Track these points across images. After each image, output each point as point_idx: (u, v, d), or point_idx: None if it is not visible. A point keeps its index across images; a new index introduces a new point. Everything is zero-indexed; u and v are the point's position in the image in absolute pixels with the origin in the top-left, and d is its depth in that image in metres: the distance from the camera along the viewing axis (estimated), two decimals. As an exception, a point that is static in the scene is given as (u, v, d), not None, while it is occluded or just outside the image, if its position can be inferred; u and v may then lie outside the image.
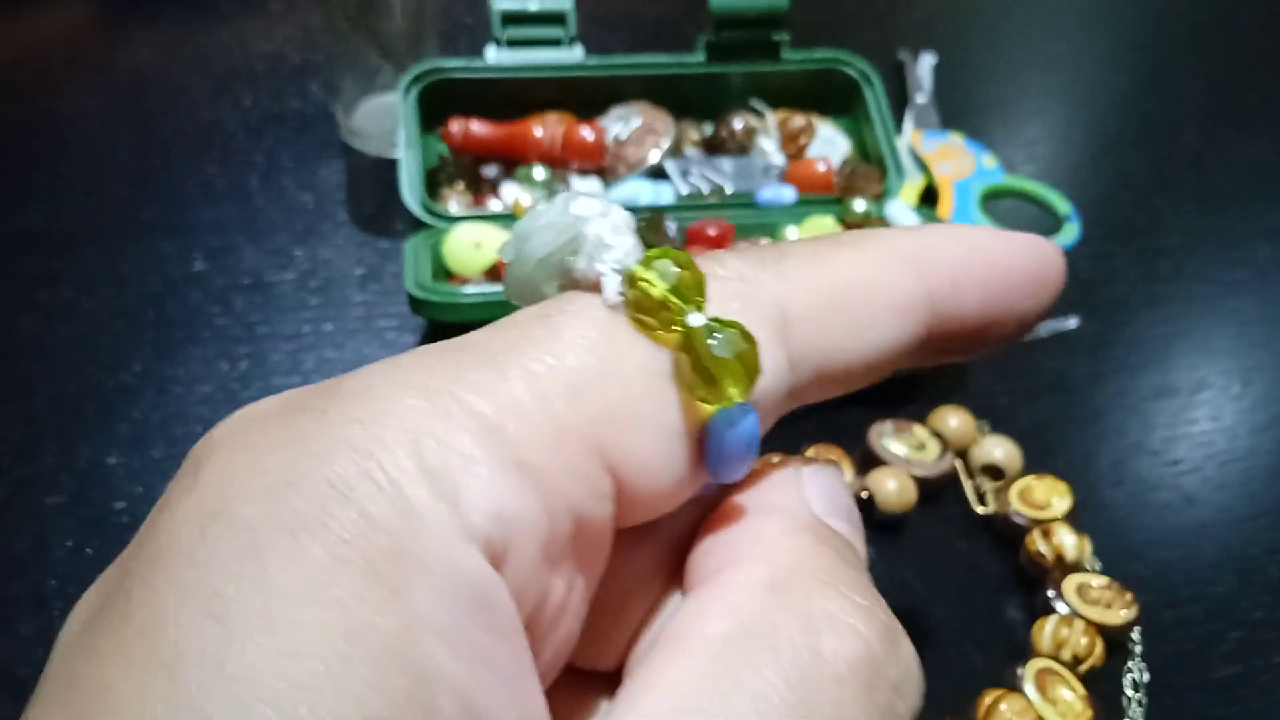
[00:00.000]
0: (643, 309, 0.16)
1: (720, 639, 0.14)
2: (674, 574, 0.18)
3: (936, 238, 0.19)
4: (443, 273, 0.49)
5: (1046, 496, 0.43)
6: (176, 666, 0.11)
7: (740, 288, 0.16)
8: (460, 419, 0.14)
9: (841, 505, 0.18)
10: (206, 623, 0.11)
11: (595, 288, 0.16)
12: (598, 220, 0.16)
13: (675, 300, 0.15)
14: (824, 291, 0.17)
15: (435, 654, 0.12)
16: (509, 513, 0.13)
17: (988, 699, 0.36)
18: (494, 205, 0.54)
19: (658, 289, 0.15)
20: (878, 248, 0.18)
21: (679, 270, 0.16)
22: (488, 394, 0.14)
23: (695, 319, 0.15)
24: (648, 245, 0.16)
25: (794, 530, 0.16)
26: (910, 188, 0.60)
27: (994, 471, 0.45)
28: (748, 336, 0.15)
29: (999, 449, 0.45)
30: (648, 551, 0.18)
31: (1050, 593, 0.40)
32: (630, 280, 0.16)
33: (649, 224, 0.50)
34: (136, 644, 0.12)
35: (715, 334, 0.15)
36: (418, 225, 0.50)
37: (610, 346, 0.15)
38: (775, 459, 0.18)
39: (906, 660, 0.15)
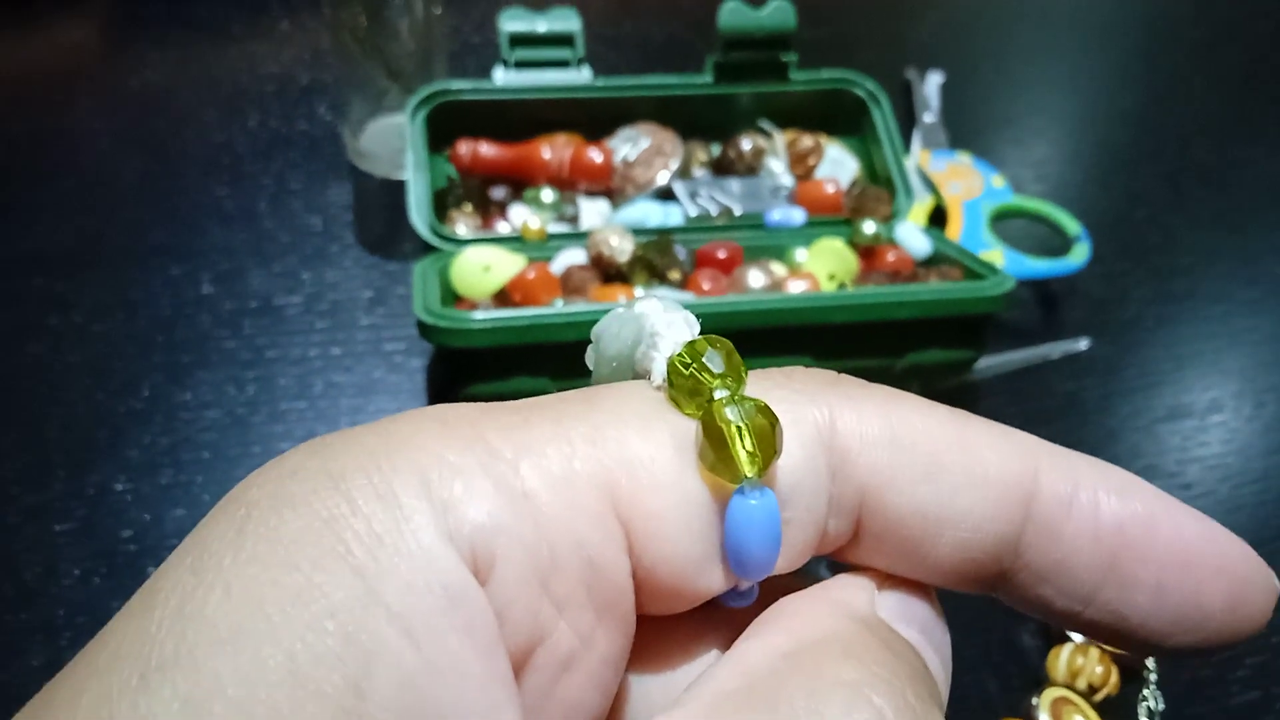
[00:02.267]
0: (677, 388, 0.16)
1: (720, 695, 0.14)
2: None
3: (1081, 456, 0.16)
4: (451, 296, 0.48)
5: (1060, 522, 0.42)
6: (151, 608, 0.13)
7: (791, 395, 0.16)
8: (471, 446, 0.14)
9: (916, 616, 0.16)
10: (186, 576, 0.13)
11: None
12: (657, 315, 0.17)
13: (703, 376, 0.15)
14: (891, 425, 0.16)
15: (384, 634, 0.12)
16: (499, 527, 0.14)
17: (1002, 730, 0.36)
18: (502, 227, 0.54)
19: (685, 366, 0.16)
20: (987, 424, 0.16)
21: (715, 353, 0.16)
22: (507, 433, 0.14)
23: (721, 394, 0.15)
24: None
25: (838, 614, 0.15)
26: (919, 208, 0.60)
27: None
28: (767, 412, 0.15)
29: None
30: (711, 658, 0.17)
31: (1064, 620, 0.40)
32: (670, 364, 0.16)
33: (657, 246, 0.50)
34: (135, 598, 0.13)
35: (734, 406, 0.15)
36: (426, 248, 0.50)
37: (641, 415, 0.15)
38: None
39: None
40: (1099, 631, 0.16)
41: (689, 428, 0.15)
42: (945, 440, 0.16)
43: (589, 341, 0.46)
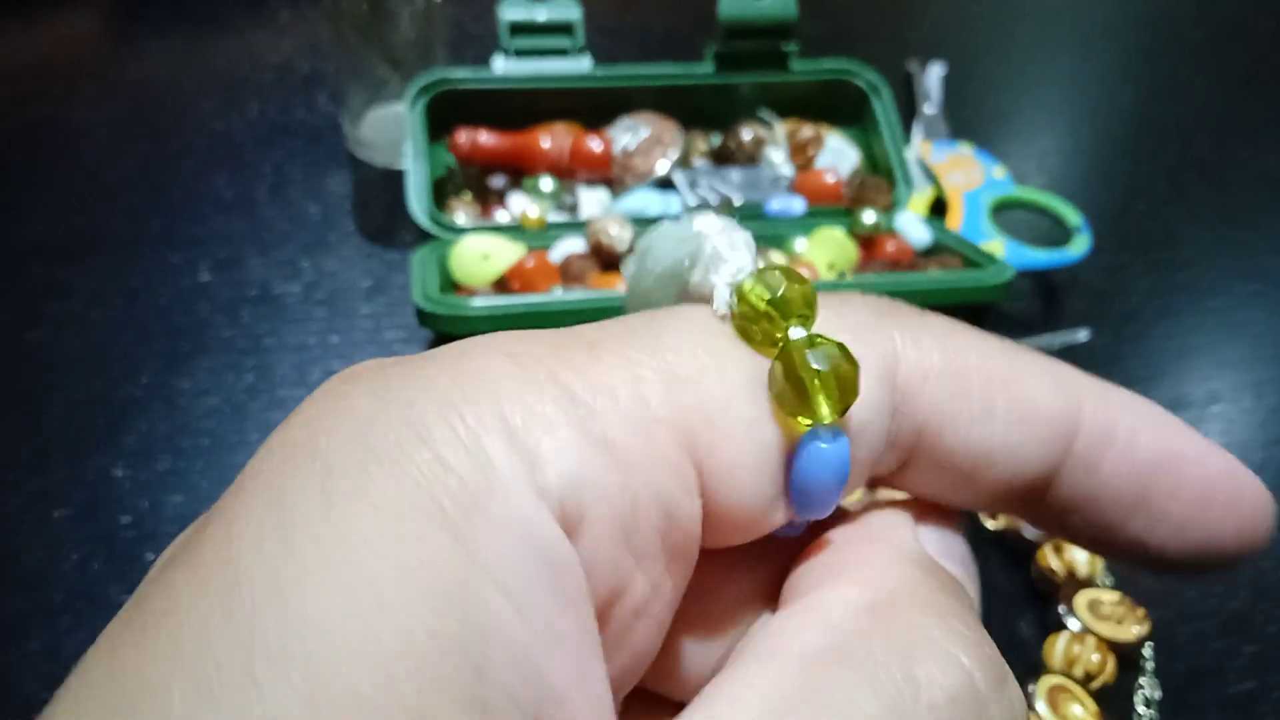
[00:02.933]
0: (747, 319, 0.15)
1: (813, 653, 0.13)
2: (769, 603, 0.17)
3: (1120, 392, 0.16)
4: (450, 284, 0.48)
5: (1058, 511, 0.42)
6: (238, 588, 0.11)
7: (857, 323, 0.16)
8: (548, 389, 0.13)
9: (956, 550, 0.17)
10: (275, 547, 0.12)
11: (709, 300, 0.16)
12: (717, 235, 0.16)
13: (777, 312, 0.15)
14: (950, 361, 0.16)
15: (495, 606, 0.12)
16: (586, 480, 0.13)
17: (999, 717, 0.36)
18: (501, 216, 0.54)
19: (762, 300, 0.15)
20: (1035, 357, 0.16)
21: (787, 283, 0.15)
22: (580, 372, 0.14)
23: (796, 332, 0.15)
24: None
25: (900, 559, 0.15)
26: (920, 199, 0.60)
27: (1005, 485, 0.45)
28: (849, 356, 0.15)
29: (1010, 462, 0.45)
30: (744, 579, 0.17)
31: (1062, 608, 0.39)
32: (739, 294, 0.15)
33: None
34: (206, 568, 0.12)
35: (813, 348, 0.14)
36: (425, 236, 0.50)
37: (711, 349, 0.15)
38: (886, 499, 0.17)
39: (1013, 702, 0.14)
40: (1115, 553, 0.17)
41: (761, 366, 0.15)
42: (999, 376, 0.16)
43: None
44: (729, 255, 0.16)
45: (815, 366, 0.14)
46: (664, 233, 0.17)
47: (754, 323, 0.15)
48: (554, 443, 0.13)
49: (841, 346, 0.15)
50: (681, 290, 0.17)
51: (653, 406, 0.14)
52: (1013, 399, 0.16)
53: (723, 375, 0.15)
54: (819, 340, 0.15)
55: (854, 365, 0.15)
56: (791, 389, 0.14)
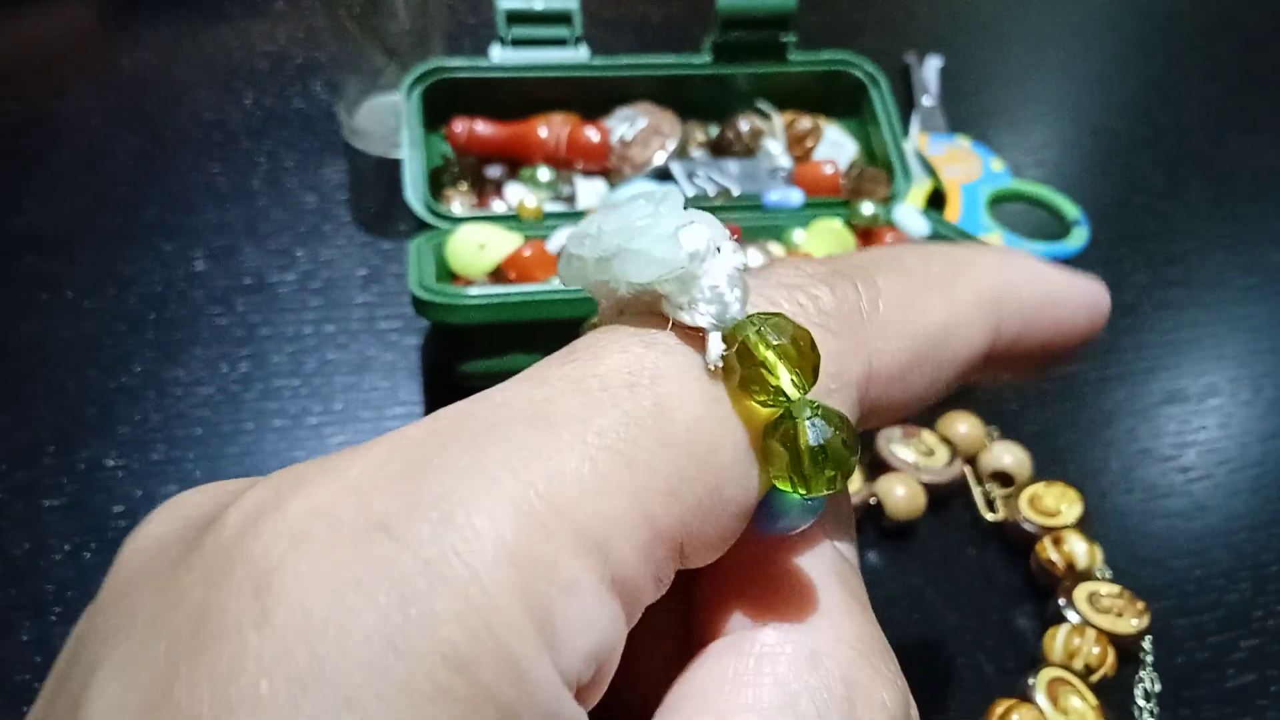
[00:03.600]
0: (748, 385, 0.15)
1: (770, 712, 0.14)
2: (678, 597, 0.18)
3: (1021, 275, 0.19)
4: (446, 274, 0.48)
5: (1056, 503, 0.42)
6: None
7: (838, 345, 0.16)
8: (561, 539, 0.13)
9: (849, 532, 0.18)
10: None
11: (685, 329, 0.15)
12: (712, 264, 0.15)
13: (791, 391, 0.14)
14: (911, 349, 0.17)
15: None
16: (603, 648, 0.13)
17: (999, 709, 0.36)
18: (497, 206, 0.53)
19: (775, 375, 0.14)
20: (966, 290, 0.18)
21: (796, 354, 0.14)
22: (589, 506, 0.13)
23: (808, 417, 0.14)
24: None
25: (827, 582, 0.16)
26: (918, 191, 0.60)
27: (1003, 478, 0.44)
28: (851, 443, 0.14)
29: (1008, 455, 0.45)
30: None
31: (1061, 601, 0.39)
32: (740, 350, 0.14)
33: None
34: None
35: (817, 426, 0.14)
36: (421, 226, 0.49)
37: (710, 425, 0.14)
38: None
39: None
40: (1023, 378, 0.22)
41: (751, 431, 0.15)
42: (948, 339, 0.18)
43: (584, 319, 0.46)
44: (729, 296, 0.15)
45: (817, 454, 0.14)
46: (644, 237, 0.15)
47: (757, 393, 0.14)
48: (574, 617, 0.13)
49: (843, 419, 0.15)
50: (645, 297, 0.15)
51: (656, 523, 0.14)
52: (954, 354, 0.18)
53: (720, 457, 0.14)
54: (822, 418, 0.14)
55: (852, 442, 0.15)
56: (797, 478, 0.14)
